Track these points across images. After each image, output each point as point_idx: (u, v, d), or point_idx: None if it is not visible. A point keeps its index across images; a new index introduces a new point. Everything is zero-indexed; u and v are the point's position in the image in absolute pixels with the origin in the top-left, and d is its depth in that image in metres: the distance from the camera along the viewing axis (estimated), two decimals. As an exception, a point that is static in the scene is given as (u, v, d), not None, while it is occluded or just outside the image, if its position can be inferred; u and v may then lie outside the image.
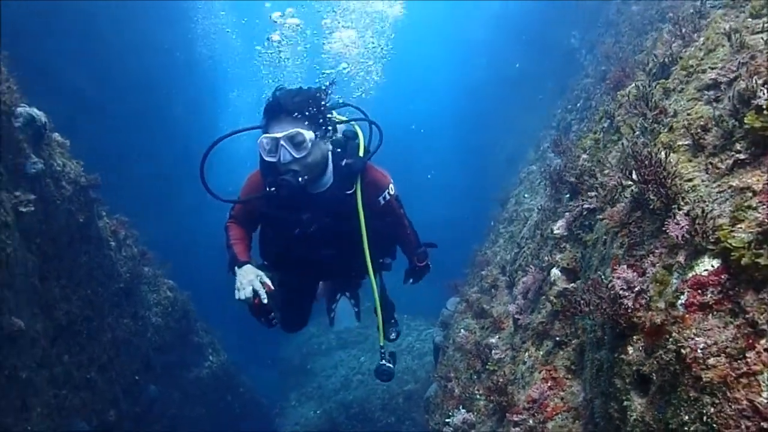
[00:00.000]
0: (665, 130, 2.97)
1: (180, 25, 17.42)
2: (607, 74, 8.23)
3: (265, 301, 3.58)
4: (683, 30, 4.19)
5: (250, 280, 3.69)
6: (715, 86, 2.89)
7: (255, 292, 3.62)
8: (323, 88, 4.02)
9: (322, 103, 3.91)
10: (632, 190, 2.81)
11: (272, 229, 4.26)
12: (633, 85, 4.42)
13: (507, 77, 20.70)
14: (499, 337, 5.54)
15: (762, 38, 2.93)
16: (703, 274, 2.13)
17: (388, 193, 4.19)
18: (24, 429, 5.40)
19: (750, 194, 2.19)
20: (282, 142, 3.66)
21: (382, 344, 4.28)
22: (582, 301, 2.62)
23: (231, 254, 4.00)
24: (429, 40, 35.98)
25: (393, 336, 4.75)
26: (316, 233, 4.05)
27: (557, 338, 3.95)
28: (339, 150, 4.06)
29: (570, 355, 3.74)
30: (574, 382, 3.57)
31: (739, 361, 1.86)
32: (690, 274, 2.18)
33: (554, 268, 4.43)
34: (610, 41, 10.93)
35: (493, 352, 5.22)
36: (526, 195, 10.23)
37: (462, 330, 6.79)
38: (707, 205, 2.31)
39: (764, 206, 2.08)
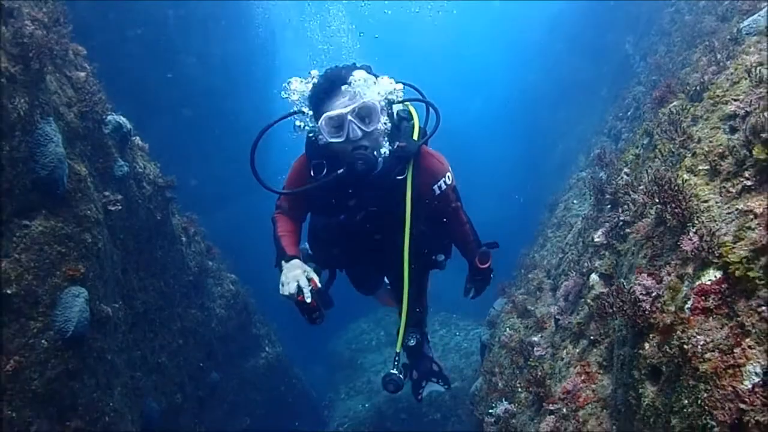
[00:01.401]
0: (689, 155, 3.35)
1: (242, 26, 18.00)
2: (657, 85, 8.49)
3: (309, 299, 3.34)
4: (718, 56, 4.52)
5: (296, 276, 3.43)
6: (734, 117, 3.26)
7: (299, 289, 3.37)
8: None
9: (378, 76, 3.65)
10: (656, 208, 3.21)
11: (318, 218, 4.01)
12: (670, 106, 4.76)
13: (561, 80, 20.84)
14: (541, 336, 5.92)
15: (781, 73, 3.29)
16: (707, 283, 2.53)
17: (445, 182, 3.82)
18: (107, 406, 5.98)
19: (752, 216, 2.57)
20: (350, 117, 3.40)
21: (397, 351, 3.89)
22: (606, 304, 3.04)
23: (278, 248, 3.78)
24: (485, 40, 36.23)
25: (412, 342, 4.37)
26: (363, 222, 3.75)
27: (592, 337, 4.35)
28: (392, 131, 3.71)
29: (602, 353, 4.14)
30: (604, 377, 3.97)
31: (728, 356, 2.26)
32: (697, 283, 2.58)
33: (593, 274, 4.80)
34: (663, 50, 11.09)
35: (534, 349, 5.61)
36: (575, 201, 10.45)
37: (507, 329, 7.18)
38: (716, 225, 2.70)
39: (761, 228, 2.47)
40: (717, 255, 2.55)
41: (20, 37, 4.95)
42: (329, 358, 18.76)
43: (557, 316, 5.44)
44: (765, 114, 2.91)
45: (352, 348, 18.04)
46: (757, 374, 2.15)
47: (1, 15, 4.88)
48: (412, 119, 3.89)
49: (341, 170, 3.47)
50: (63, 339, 4.96)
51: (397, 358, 3.86)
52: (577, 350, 4.56)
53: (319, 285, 3.48)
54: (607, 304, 3.05)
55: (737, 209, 2.70)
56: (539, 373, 4.80)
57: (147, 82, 13.30)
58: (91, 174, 5.85)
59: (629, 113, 11.20)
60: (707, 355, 2.34)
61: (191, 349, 8.99)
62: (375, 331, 17.83)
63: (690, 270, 2.70)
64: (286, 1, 21.76)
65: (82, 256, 5.34)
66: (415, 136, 3.78)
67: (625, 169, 5.38)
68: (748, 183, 2.75)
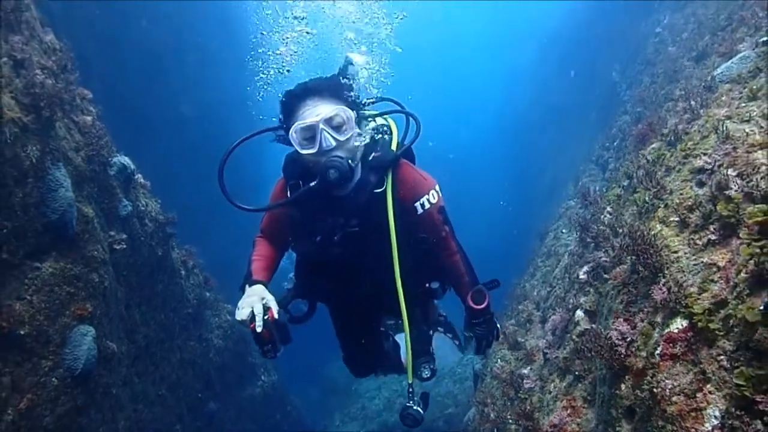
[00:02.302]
0: (662, 206, 3.62)
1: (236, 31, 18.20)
2: (642, 117, 8.79)
3: (259, 329, 3.11)
4: (692, 103, 4.80)
5: (251, 302, 3.20)
6: (703, 172, 3.54)
7: (253, 316, 3.14)
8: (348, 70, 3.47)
9: (352, 83, 3.40)
10: (631, 258, 3.48)
11: (297, 243, 3.71)
12: (648, 149, 5.04)
13: (551, 106, 21.19)
14: (530, 369, 6.16)
15: (745, 129, 3.57)
16: (674, 331, 2.79)
17: (429, 199, 3.46)
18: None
19: (715, 269, 2.83)
20: (321, 125, 3.13)
21: (410, 382, 3.60)
22: (584, 348, 3.30)
23: (247, 270, 3.54)
24: (476, 64, 36.65)
25: (426, 374, 4.08)
26: (342, 243, 3.46)
27: (577, 372, 4.59)
28: (370, 145, 3.45)
29: (587, 388, 4.38)
30: (589, 411, 4.21)
31: (691, 399, 2.52)
32: (666, 331, 2.84)
33: (578, 310, 5.05)
34: (647, 81, 11.39)
35: (524, 381, 5.84)
36: (564, 230, 10.67)
37: (499, 360, 7.41)
38: (684, 276, 2.96)
39: (722, 281, 2.73)
40: (684, 305, 2.81)
41: (31, 87, 5.20)
42: (324, 382, 18.84)
43: (545, 350, 5.68)
44: (729, 171, 3.20)
45: (346, 373, 18.01)
46: (716, 417, 2.40)
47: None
48: (391, 133, 3.62)
49: (314, 183, 3.23)
50: (72, 376, 5.16)
51: (410, 391, 3.61)
52: (564, 384, 4.79)
53: (277, 316, 3.24)
54: (586, 349, 3.31)
55: (703, 262, 2.96)
56: (528, 407, 5.03)
57: (147, 112, 13.55)
58: (97, 215, 6.07)
59: (615, 143, 11.49)
60: (674, 398, 2.60)
61: (190, 379, 9.15)
62: (369, 357, 17.90)
63: (660, 318, 2.96)
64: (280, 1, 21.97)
65: (89, 295, 5.56)
66: (394, 148, 3.52)
67: (608, 208, 5.65)
68: (713, 237, 3.02)
